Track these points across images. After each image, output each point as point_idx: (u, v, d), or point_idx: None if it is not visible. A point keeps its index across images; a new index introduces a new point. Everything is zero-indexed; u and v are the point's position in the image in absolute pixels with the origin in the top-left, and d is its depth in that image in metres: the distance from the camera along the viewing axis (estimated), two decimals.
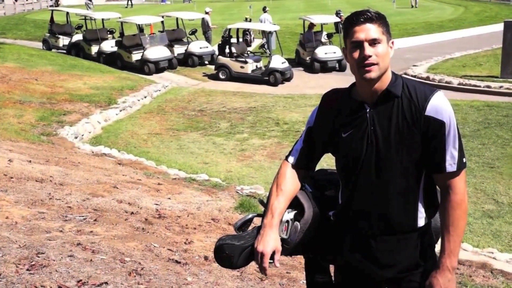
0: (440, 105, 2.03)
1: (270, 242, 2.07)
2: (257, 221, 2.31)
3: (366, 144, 2.06)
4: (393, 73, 2.11)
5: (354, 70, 2.07)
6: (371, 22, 2.02)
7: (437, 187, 2.16)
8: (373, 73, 2.01)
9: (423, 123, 2.02)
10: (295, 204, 2.19)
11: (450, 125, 2.03)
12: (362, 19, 2.02)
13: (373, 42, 2.00)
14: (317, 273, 2.39)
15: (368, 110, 2.07)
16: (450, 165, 2.05)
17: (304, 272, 2.47)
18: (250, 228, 2.21)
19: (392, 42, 2.08)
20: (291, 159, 2.24)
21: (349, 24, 2.05)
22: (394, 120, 2.04)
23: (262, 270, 2.09)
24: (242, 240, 2.12)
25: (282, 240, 2.11)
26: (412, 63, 18.71)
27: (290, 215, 2.15)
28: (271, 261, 2.08)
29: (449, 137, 2.04)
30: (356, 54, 2.02)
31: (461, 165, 2.06)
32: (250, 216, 2.23)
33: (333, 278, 2.37)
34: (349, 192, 2.14)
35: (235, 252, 2.10)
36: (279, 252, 2.09)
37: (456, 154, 2.05)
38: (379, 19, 2.04)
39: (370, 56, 1.99)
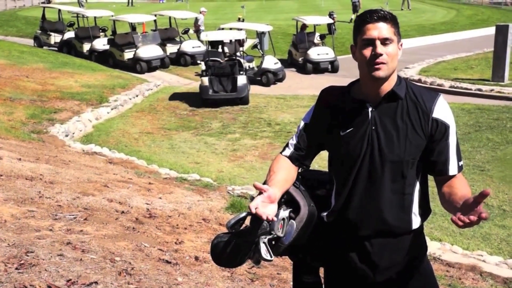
0: (445, 109, 2.08)
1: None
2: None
3: (366, 143, 2.05)
4: (397, 75, 2.11)
5: (362, 68, 2.05)
6: (384, 21, 2.01)
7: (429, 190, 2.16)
8: (382, 72, 2.01)
9: (430, 125, 2.04)
10: (290, 202, 2.15)
11: (453, 129, 2.08)
12: (375, 17, 2.01)
13: (385, 42, 2.00)
14: (306, 274, 2.36)
15: (370, 110, 2.07)
16: (453, 168, 2.08)
17: (292, 273, 2.43)
18: (243, 227, 2.18)
19: (401, 44, 2.08)
20: (286, 153, 2.22)
21: (362, 22, 2.03)
22: (398, 121, 2.04)
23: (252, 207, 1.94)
24: (240, 237, 2.08)
25: (278, 238, 2.06)
26: (404, 65, 18.76)
27: (285, 212, 2.10)
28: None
29: (452, 140, 2.07)
30: (367, 52, 2.01)
31: (460, 168, 2.10)
32: (243, 214, 2.19)
33: (322, 279, 2.35)
34: (345, 192, 2.11)
35: (232, 249, 2.06)
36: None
37: (456, 157, 2.09)
38: (392, 19, 2.04)
39: (381, 55, 1.99)
